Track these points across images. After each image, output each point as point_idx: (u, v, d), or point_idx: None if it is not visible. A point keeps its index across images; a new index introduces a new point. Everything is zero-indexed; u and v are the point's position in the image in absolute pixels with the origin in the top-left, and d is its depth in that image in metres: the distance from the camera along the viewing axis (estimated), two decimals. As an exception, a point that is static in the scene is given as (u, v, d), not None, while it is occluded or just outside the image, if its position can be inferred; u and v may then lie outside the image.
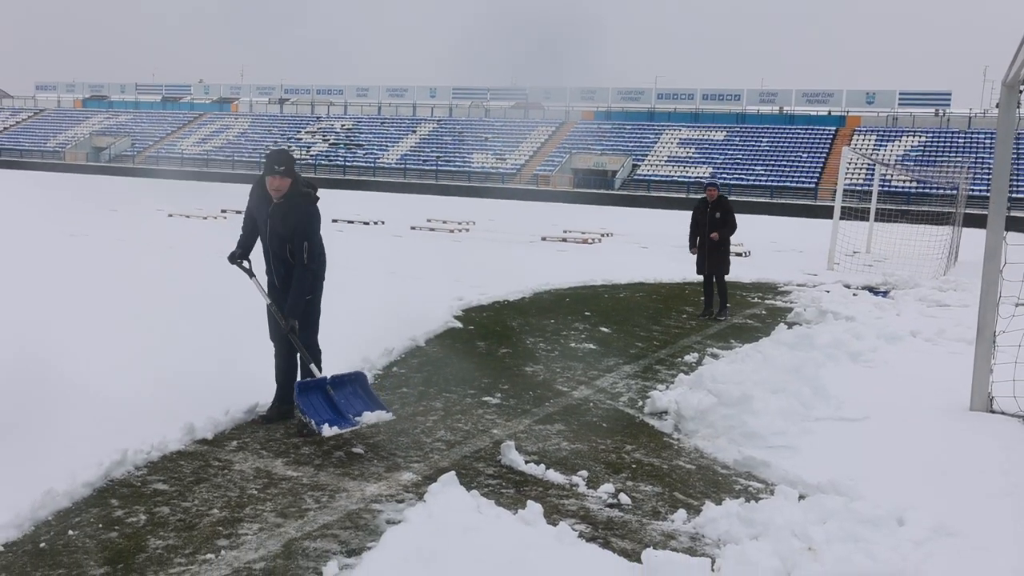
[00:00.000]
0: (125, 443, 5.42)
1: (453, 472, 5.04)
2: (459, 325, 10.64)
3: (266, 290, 6.54)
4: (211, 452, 5.73)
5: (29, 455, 5.16)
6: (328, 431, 5.67)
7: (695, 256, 12.75)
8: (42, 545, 4.29)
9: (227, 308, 9.68)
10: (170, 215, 27.88)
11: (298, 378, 6.47)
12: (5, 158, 77.58)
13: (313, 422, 5.78)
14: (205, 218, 27.73)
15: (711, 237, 12.46)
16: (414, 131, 75.16)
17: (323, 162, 70.88)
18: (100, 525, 4.55)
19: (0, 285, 11.68)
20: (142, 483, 5.15)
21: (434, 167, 67.50)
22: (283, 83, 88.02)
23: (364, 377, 6.43)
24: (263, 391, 6.66)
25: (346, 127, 77.76)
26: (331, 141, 75.24)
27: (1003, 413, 7.41)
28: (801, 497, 5.13)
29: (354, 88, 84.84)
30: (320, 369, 6.41)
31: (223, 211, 29.81)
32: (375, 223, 28.90)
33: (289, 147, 73.75)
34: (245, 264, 6.61)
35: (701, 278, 13.03)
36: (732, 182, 57.12)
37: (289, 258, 6.31)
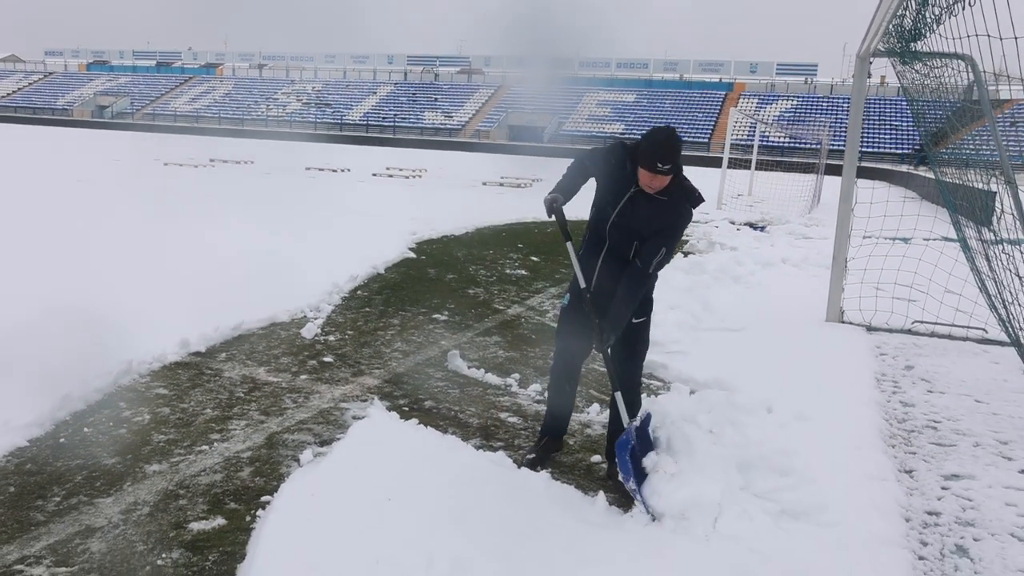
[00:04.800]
0: (130, 355, 5.32)
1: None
2: (413, 255, 10.55)
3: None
4: (204, 362, 5.64)
5: (48, 367, 5.02)
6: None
7: None
8: (61, 440, 4.22)
9: (213, 241, 9.48)
10: (166, 164, 26.96)
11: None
12: (20, 115, 73.89)
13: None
14: (196, 167, 26.86)
15: None
16: (375, 93, 73.32)
17: (297, 119, 68.86)
18: (111, 423, 4.48)
19: (21, 223, 11.25)
20: (146, 388, 5.06)
21: (392, 123, 66.15)
22: (262, 50, 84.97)
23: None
24: (247, 311, 6.57)
25: (316, 89, 75.51)
26: (304, 101, 73.05)
27: (851, 323, 7.65)
28: (691, 392, 5.24)
29: (323, 55, 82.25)
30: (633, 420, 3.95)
31: (211, 160, 28.95)
32: (342, 170, 28.32)
33: (268, 107, 71.50)
34: (563, 215, 4.05)
35: None
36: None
37: (627, 257, 3.97)
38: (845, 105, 57.93)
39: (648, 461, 3.82)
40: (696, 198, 3.94)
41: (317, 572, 2.96)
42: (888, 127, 55.35)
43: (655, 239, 3.86)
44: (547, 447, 4.31)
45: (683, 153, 3.81)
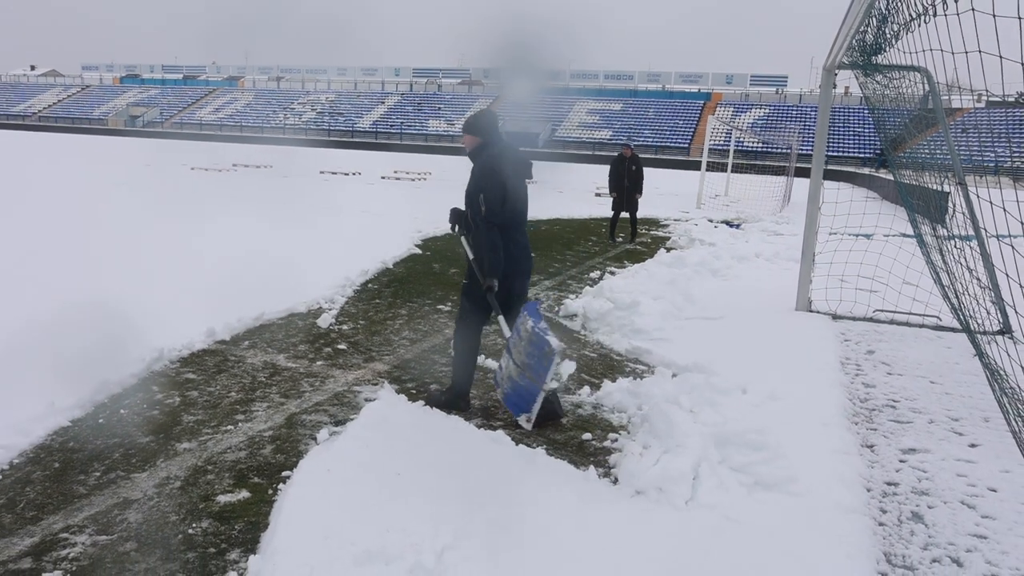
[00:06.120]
0: (161, 343, 5.33)
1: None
2: (419, 251, 10.55)
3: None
4: (228, 350, 5.65)
5: (88, 355, 5.03)
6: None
7: (614, 198, 13.12)
8: (100, 421, 4.23)
9: (236, 239, 9.46)
10: (192, 168, 26.89)
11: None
12: (60, 125, 73.65)
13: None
14: (220, 171, 26.79)
15: (636, 196, 13.13)
16: (383, 102, 73.10)
17: (312, 127, 68.65)
18: (145, 405, 4.49)
19: (60, 223, 11.23)
20: (176, 374, 5.07)
21: (399, 131, 65.98)
22: (279, 64, 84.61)
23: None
24: (267, 303, 6.57)
25: (330, 99, 75.25)
26: (318, 110, 72.82)
27: (818, 312, 7.67)
28: (674, 375, 5.26)
29: (335, 68, 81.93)
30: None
31: (234, 165, 28.87)
32: (353, 174, 28.26)
33: (285, 116, 71.21)
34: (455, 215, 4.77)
35: (609, 215, 13.36)
36: (626, 143, 56.92)
37: (470, 222, 4.56)
38: (813, 113, 57.85)
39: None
40: (485, 157, 4.62)
41: (333, 540, 2.98)
42: (852, 133, 55.32)
43: (473, 196, 4.47)
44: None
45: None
